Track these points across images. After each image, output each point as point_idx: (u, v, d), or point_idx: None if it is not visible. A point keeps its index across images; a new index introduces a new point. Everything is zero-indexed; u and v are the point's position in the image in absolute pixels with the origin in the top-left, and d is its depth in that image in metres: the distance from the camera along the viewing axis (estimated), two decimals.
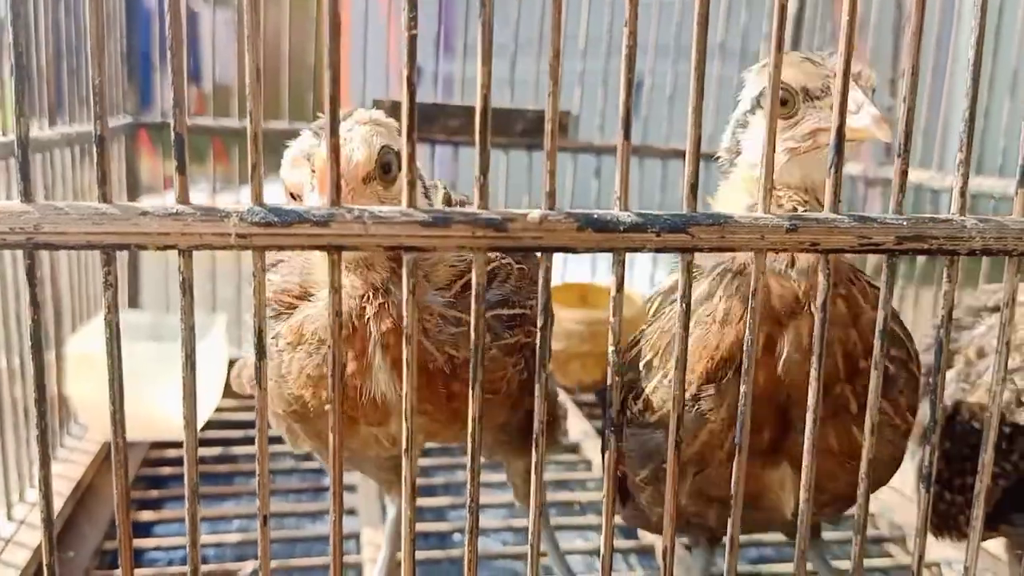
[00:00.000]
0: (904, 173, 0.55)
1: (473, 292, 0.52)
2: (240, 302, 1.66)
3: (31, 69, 1.06)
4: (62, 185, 1.22)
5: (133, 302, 1.63)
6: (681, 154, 1.70)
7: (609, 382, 0.54)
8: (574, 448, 1.44)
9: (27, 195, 0.48)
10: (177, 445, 1.34)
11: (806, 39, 1.67)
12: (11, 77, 0.48)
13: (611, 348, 0.53)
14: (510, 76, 1.65)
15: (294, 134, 1.61)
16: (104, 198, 0.48)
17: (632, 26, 0.50)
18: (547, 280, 0.53)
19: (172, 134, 0.48)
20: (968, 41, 0.55)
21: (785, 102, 0.69)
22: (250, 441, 1.42)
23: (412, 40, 0.49)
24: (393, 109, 1.66)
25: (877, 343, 0.56)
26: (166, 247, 0.49)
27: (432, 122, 1.64)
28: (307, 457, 1.36)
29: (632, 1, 0.50)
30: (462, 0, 1.71)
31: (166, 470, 1.31)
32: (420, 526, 1.06)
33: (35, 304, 0.49)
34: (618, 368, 0.54)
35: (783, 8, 0.51)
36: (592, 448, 1.43)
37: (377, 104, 1.64)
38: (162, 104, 1.66)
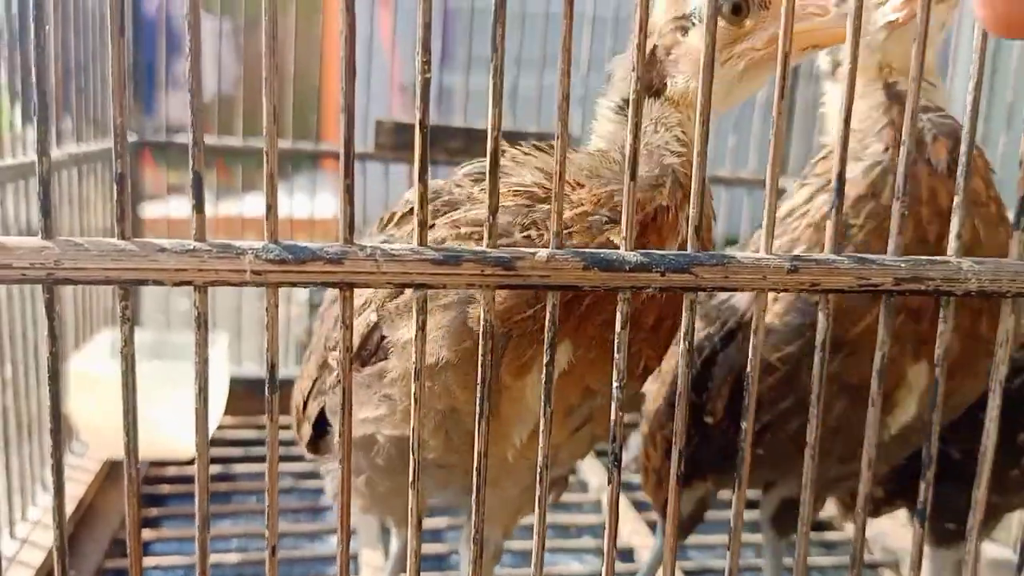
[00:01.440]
0: (903, 216, 0.56)
1: (481, 329, 0.53)
2: (240, 319, 1.67)
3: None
4: (68, 206, 1.23)
5: (134, 320, 1.64)
6: None
7: (613, 418, 0.55)
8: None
9: (48, 231, 0.49)
10: (176, 463, 1.35)
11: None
12: (33, 115, 0.49)
13: (615, 385, 0.54)
14: (512, 95, 1.66)
15: (296, 154, 1.64)
16: (123, 235, 0.49)
17: (639, 71, 0.52)
18: (554, 317, 0.54)
19: (191, 173, 0.49)
20: (965, 74, 0.57)
21: (738, 9, 0.68)
22: (250, 459, 1.43)
23: (426, 84, 0.50)
24: (396, 130, 1.67)
25: (875, 381, 0.57)
26: (183, 283, 0.50)
27: (432, 143, 1.65)
28: (306, 476, 1.37)
29: (639, 48, 0.51)
30: (464, 10, 1.72)
31: (165, 488, 1.32)
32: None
33: (53, 337, 0.50)
34: (622, 404, 0.55)
35: (785, 62, 0.52)
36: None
37: (380, 124, 1.66)
38: (167, 118, 1.67)
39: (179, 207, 1.64)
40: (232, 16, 1.74)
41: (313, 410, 0.84)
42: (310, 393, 0.84)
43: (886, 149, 0.82)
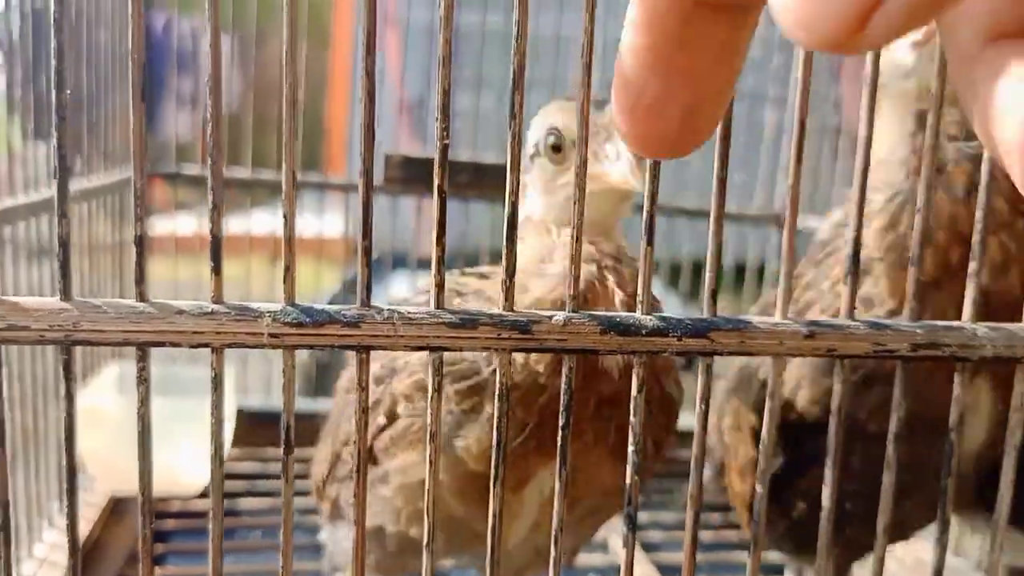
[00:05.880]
0: (918, 281, 0.56)
1: (496, 391, 0.53)
2: (246, 350, 1.66)
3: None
4: (76, 237, 1.23)
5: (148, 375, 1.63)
6: (688, 213, 1.72)
7: (629, 481, 0.55)
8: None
9: (66, 293, 0.49)
10: (182, 499, 1.34)
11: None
12: (55, 178, 0.49)
13: (631, 448, 0.54)
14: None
15: (303, 185, 1.60)
16: (141, 296, 0.49)
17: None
18: (570, 381, 0.54)
19: (210, 238, 0.49)
20: None
21: (558, 148, 0.73)
22: (254, 494, 1.42)
23: (444, 150, 0.51)
24: (404, 164, 1.67)
25: (890, 446, 0.57)
26: (200, 345, 0.50)
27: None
28: (311, 511, 1.36)
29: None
30: (474, 33, 1.69)
31: (170, 523, 1.31)
32: None
33: (70, 398, 0.50)
34: (637, 468, 0.55)
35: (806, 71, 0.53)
36: None
37: (388, 158, 1.66)
38: (176, 137, 1.66)
39: (186, 224, 1.64)
40: (240, 30, 1.73)
41: (331, 493, 0.84)
42: (325, 480, 0.85)
43: (906, 178, 0.81)
